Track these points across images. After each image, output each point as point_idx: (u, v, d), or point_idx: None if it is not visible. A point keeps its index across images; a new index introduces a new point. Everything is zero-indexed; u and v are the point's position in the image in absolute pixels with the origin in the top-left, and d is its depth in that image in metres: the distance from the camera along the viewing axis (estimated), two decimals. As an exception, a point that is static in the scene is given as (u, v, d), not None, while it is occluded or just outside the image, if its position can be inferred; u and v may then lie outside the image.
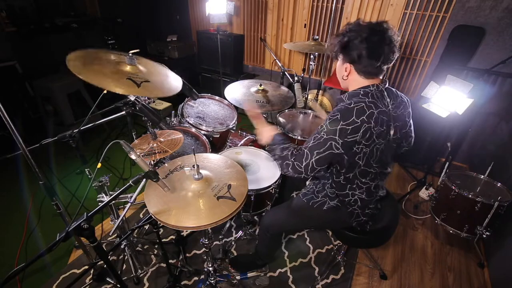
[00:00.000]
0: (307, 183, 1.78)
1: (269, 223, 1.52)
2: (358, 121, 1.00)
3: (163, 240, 1.76)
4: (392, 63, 1.07)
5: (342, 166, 1.16)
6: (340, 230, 1.39)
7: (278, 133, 1.27)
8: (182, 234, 1.87)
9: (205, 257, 1.58)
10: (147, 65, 1.37)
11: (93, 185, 1.35)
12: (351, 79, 1.13)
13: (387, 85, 1.13)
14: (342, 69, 1.13)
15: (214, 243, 1.89)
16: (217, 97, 2.21)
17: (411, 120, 1.26)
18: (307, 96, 2.99)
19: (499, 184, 1.91)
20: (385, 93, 1.11)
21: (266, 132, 1.30)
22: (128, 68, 1.26)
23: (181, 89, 1.38)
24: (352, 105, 1.03)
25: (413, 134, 1.33)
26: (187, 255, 1.85)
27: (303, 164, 1.08)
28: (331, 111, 1.11)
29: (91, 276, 1.67)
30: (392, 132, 1.12)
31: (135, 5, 3.85)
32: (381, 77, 1.12)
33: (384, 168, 1.19)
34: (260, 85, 2.16)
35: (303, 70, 3.22)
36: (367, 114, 1.01)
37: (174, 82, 1.38)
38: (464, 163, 2.90)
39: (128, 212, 2.15)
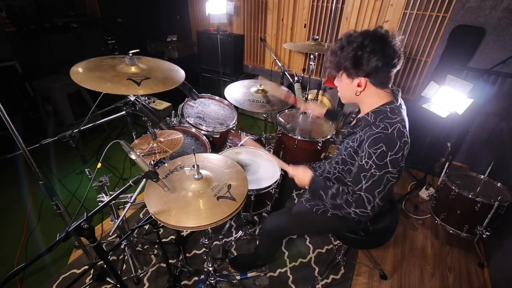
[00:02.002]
0: None
1: (270, 228, 1.50)
2: (402, 144, 0.97)
3: (163, 240, 1.76)
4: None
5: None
6: (342, 232, 1.39)
7: (315, 175, 1.21)
8: (182, 234, 1.87)
9: (205, 257, 1.58)
10: (147, 62, 1.38)
11: (93, 185, 1.35)
12: (366, 93, 1.06)
13: (400, 94, 1.10)
14: (353, 85, 1.05)
15: (214, 243, 1.89)
16: (217, 97, 2.21)
17: None
18: (307, 96, 2.99)
19: (499, 184, 1.91)
20: (403, 105, 1.09)
21: (301, 174, 1.24)
22: (128, 69, 1.27)
23: (181, 85, 1.37)
24: (390, 130, 0.98)
25: None
26: (187, 255, 1.85)
27: (369, 209, 1.02)
28: (370, 140, 1.00)
29: (91, 276, 1.67)
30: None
31: (135, 5, 3.85)
32: (390, 85, 1.08)
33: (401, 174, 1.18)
34: (260, 85, 2.16)
35: (303, 70, 3.22)
36: (405, 134, 0.99)
37: (176, 74, 1.39)
38: (464, 163, 2.89)
39: (128, 212, 2.15)
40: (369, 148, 0.99)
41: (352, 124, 1.25)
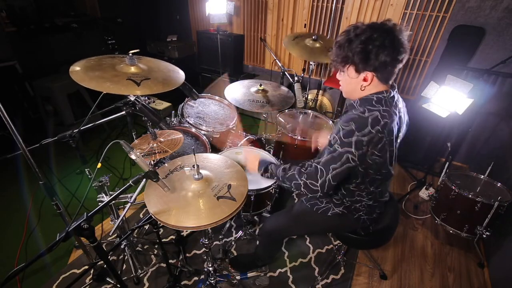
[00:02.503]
0: None
1: (271, 229, 1.50)
2: (373, 131, 0.95)
3: (163, 240, 1.76)
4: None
5: (355, 177, 1.12)
6: (343, 232, 1.40)
7: (263, 159, 1.24)
8: (182, 234, 1.87)
9: (205, 257, 1.58)
10: (147, 63, 1.38)
11: (93, 185, 1.35)
12: (369, 88, 1.03)
13: (395, 90, 1.09)
14: (359, 80, 1.02)
15: (214, 243, 1.89)
16: (217, 97, 2.21)
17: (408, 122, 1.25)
18: (307, 96, 2.99)
19: (499, 184, 1.91)
20: (396, 98, 1.07)
21: (251, 160, 1.27)
22: (128, 69, 1.27)
23: (181, 85, 1.38)
24: (366, 114, 0.97)
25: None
26: (187, 255, 1.85)
27: (319, 182, 1.01)
28: (343, 118, 1.01)
29: (91, 276, 1.67)
30: (400, 137, 1.12)
31: (135, 5, 3.85)
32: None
33: (390, 172, 1.17)
34: (260, 85, 2.16)
35: (303, 70, 3.22)
36: (381, 124, 0.96)
37: (175, 75, 1.39)
38: (464, 163, 2.90)
39: (128, 212, 2.15)
40: (340, 124, 1.00)
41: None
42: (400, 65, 0.99)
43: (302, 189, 1.05)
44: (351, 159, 0.98)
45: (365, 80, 1.02)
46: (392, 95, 1.05)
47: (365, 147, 0.97)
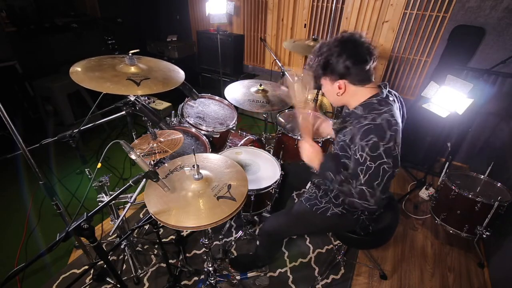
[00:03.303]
0: (308, 186, 1.78)
1: (270, 229, 1.50)
2: (392, 132, 0.99)
3: (163, 240, 1.76)
4: (376, 61, 1.06)
5: None
6: (342, 232, 1.40)
7: (326, 158, 1.18)
8: (182, 234, 1.87)
9: (205, 257, 1.58)
10: (147, 63, 1.38)
11: (93, 185, 1.35)
12: (349, 93, 1.10)
13: (387, 88, 1.12)
14: (335, 88, 1.10)
15: (214, 243, 1.89)
16: (217, 97, 2.21)
17: (404, 119, 1.26)
18: (307, 96, 2.99)
19: (499, 184, 1.91)
20: (390, 97, 1.10)
21: (312, 154, 1.21)
22: (128, 69, 1.27)
23: (181, 84, 1.38)
24: (378, 120, 1.00)
25: None
26: (187, 255, 1.85)
27: (371, 202, 1.02)
28: (360, 133, 1.02)
29: (91, 276, 1.67)
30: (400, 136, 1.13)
31: (135, 5, 3.85)
32: (373, 79, 1.10)
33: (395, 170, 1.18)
34: (260, 85, 2.16)
35: (303, 70, 3.22)
36: (393, 122, 1.00)
37: (175, 74, 1.39)
38: (464, 163, 2.90)
39: (128, 212, 2.15)
40: (361, 141, 1.01)
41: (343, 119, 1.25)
42: (368, 65, 1.04)
43: (359, 207, 1.06)
44: (388, 167, 0.99)
45: (339, 88, 1.09)
46: (385, 95, 1.09)
47: (394, 151, 1.00)
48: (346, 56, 1.01)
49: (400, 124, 1.06)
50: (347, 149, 1.12)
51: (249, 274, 1.74)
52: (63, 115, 2.75)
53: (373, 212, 1.25)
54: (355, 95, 1.10)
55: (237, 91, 2.14)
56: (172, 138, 1.37)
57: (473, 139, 2.71)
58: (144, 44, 3.97)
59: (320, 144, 1.93)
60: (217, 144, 2.00)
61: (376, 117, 1.01)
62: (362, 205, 1.04)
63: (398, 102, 1.18)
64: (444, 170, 2.08)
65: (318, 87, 1.21)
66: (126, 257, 1.75)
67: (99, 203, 1.14)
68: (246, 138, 2.18)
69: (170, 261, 1.75)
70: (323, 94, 3.25)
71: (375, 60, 1.05)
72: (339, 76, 1.06)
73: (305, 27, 3.17)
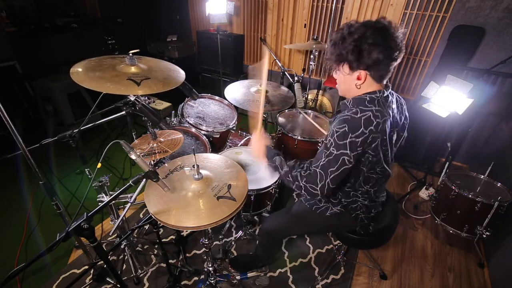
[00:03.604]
0: None
1: (270, 229, 1.50)
2: (367, 131, 0.95)
3: (163, 240, 1.76)
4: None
5: (349, 178, 1.13)
6: (342, 232, 1.40)
7: (270, 147, 1.21)
8: (182, 234, 1.87)
9: (205, 257, 1.58)
10: (147, 62, 1.38)
11: (93, 185, 1.35)
12: (364, 86, 1.03)
13: (390, 90, 1.08)
14: (353, 78, 1.02)
15: (214, 243, 1.89)
16: (217, 97, 2.21)
17: (407, 122, 1.23)
18: (307, 96, 2.99)
19: (499, 184, 1.91)
20: (390, 99, 1.07)
21: (258, 146, 1.22)
22: (128, 69, 1.27)
23: (181, 85, 1.38)
24: (359, 115, 0.97)
25: (406, 134, 1.28)
26: (187, 255, 1.85)
27: (318, 186, 1.02)
28: (336, 120, 1.02)
29: (91, 276, 1.67)
30: (395, 137, 1.11)
31: (135, 5, 3.85)
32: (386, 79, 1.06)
33: (387, 171, 1.17)
34: (260, 85, 2.16)
35: (303, 70, 3.22)
36: (374, 124, 0.96)
37: (175, 74, 1.39)
38: (464, 163, 2.89)
39: (128, 212, 2.15)
40: (334, 127, 1.00)
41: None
42: (395, 64, 0.99)
43: (303, 191, 1.07)
44: (347, 161, 0.98)
45: (358, 78, 1.02)
46: (385, 95, 1.05)
47: (360, 148, 0.97)
48: (382, 48, 0.93)
49: (388, 129, 1.01)
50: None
51: (249, 274, 1.74)
52: (63, 115, 2.75)
53: (316, 198, 1.24)
54: (365, 89, 1.05)
55: (237, 91, 2.14)
56: (172, 138, 1.37)
57: (473, 139, 2.70)
58: (144, 44, 3.97)
59: (320, 144, 1.93)
60: (217, 144, 2.00)
61: (358, 111, 0.99)
62: (307, 187, 1.04)
63: (399, 107, 1.14)
64: (444, 170, 2.08)
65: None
66: (126, 257, 1.75)
67: (99, 203, 1.14)
68: (246, 138, 2.18)
69: (170, 261, 1.75)
70: (323, 94, 3.26)
71: (400, 59, 1.00)
72: (365, 67, 0.98)
73: (305, 27, 3.17)
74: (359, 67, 0.99)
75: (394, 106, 1.10)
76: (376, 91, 1.04)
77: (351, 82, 1.05)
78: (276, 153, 1.20)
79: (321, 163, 1.02)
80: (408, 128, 1.26)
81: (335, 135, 0.98)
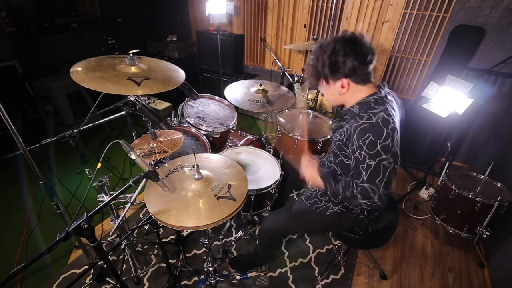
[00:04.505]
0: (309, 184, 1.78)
1: (269, 227, 1.50)
2: (389, 130, 0.99)
3: (163, 240, 1.76)
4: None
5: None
6: (341, 231, 1.40)
7: (323, 173, 1.22)
8: (182, 234, 1.87)
9: (205, 257, 1.58)
10: (147, 63, 1.38)
11: (93, 185, 1.35)
12: (350, 92, 1.10)
13: (386, 88, 1.13)
14: (337, 87, 1.10)
15: (214, 243, 1.89)
16: (217, 97, 2.21)
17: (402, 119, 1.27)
18: (307, 96, 2.99)
19: (499, 184, 1.91)
20: (389, 97, 1.11)
21: (312, 173, 1.24)
22: (128, 69, 1.27)
23: (181, 85, 1.38)
24: (375, 119, 1.01)
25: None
26: (187, 255, 1.85)
27: (376, 199, 1.03)
28: (357, 133, 1.03)
29: (91, 276, 1.67)
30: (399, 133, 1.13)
31: (135, 5, 3.85)
32: (372, 79, 1.11)
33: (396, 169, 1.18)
34: (260, 85, 2.16)
35: (303, 70, 3.22)
36: (391, 121, 1.01)
37: (176, 74, 1.39)
38: (464, 163, 2.89)
39: (128, 212, 2.15)
40: (358, 140, 1.02)
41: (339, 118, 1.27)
42: (371, 66, 1.06)
43: (364, 206, 1.07)
44: (388, 163, 1.00)
45: (342, 87, 1.09)
46: (383, 94, 1.09)
47: (394, 148, 1.00)
48: (354, 55, 1.01)
49: (397, 123, 1.06)
50: (345, 148, 1.14)
51: (249, 274, 1.74)
52: (63, 115, 2.75)
53: (378, 209, 1.25)
54: (354, 94, 1.11)
55: (237, 91, 2.14)
56: (172, 138, 1.37)
57: (473, 139, 2.70)
58: (144, 44, 3.97)
59: (320, 144, 1.93)
60: (217, 144, 2.00)
61: (372, 116, 1.02)
62: (367, 203, 1.05)
63: (397, 104, 1.18)
64: (444, 170, 2.08)
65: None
66: (126, 257, 1.75)
67: (99, 203, 1.14)
68: (246, 138, 2.18)
69: (170, 261, 1.75)
70: (323, 94, 3.26)
71: (375, 60, 1.06)
72: (344, 75, 1.06)
73: (305, 27, 3.17)
74: (338, 77, 1.07)
75: (394, 104, 1.13)
76: (376, 92, 1.08)
77: (336, 92, 1.12)
78: (327, 177, 1.20)
79: (365, 178, 1.03)
80: (406, 128, 1.27)
81: (364, 147, 1.00)
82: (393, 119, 1.02)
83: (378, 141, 0.98)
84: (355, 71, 1.04)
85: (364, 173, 1.03)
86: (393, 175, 1.04)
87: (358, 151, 1.02)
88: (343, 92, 1.10)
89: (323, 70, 1.07)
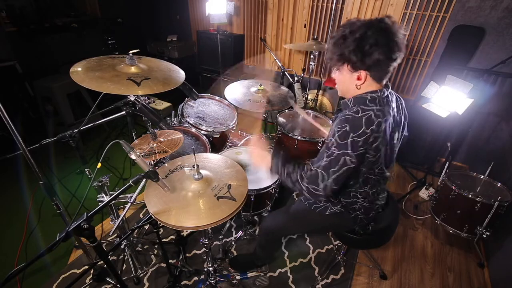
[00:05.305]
0: None
1: (269, 227, 1.50)
2: (368, 131, 0.95)
3: (163, 240, 1.76)
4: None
5: (349, 179, 1.11)
6: (341, 231, 1.40)
7: (273, 154, 1.20)
8: (182, 234, 1.87)
9: (205, 257, 1.58)
10: (147, 63, 1.38)
11: (93, 185, 1.35)
12: (364, 86, 1.03)
13: (389, 89, 1.08)
14: (353, 78, 1.02)
15: (214, 243, 1.89)
16: (217, 97, 2.21)
17: (406, 122, 1.24)
18: (307, 96, 3.00)
19: (499, 184, 1.91)
20: (390, 98, 1.07)
21: (260, 156, 1.23)
22: (128, 69, 1.27)
23: (181, 85, 1.38)
24: (360, 114, 0.97)
25: (407, 134, 1.30)
26: (187, 255, 1.85)
27: (320, 187, 1.00)
28: (337, 119, 1.01)
29: (91, 276, 1.67)
30: (396, 136, 1.11)
31: (135, 5, 3.85)
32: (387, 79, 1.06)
33: (384, 174, 1.16)
34: (260, 85, 2.16)
35: (303, 70, 3.22)
36: (375, 123, 0.95)
37: (175, 74, 1.39)
38: (464, 163, 2.89)
39: (128, 212, 2.15)
40: (335, 126, 0.99)
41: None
42: (395, 64, 0.98)
43: (306, 193, 1.05)
44: (349, 161, 0.97)
45: (358, 79, 1.01)
46: (386, 94, 1.05)
47: (362, 148, 0.96)
48: (382, 48, 0.92)
49: (389, 129, 1.01)
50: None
51: (249, 274, 1.74)
52: (63, 115, 2.75)
53: (318, 200, 1.23)
54: (365, 89, 1.04)
55: (237, 91, 2.14)
56: (172, 138, 1.37)
57: (473, 139, 2.71)
58: (144, 44, 3.97)
59: (320, 144, 1.93)
60: (217, 144, 2.00)
61: (360, 111, 0.98)
62: (309, 189, 1.03)
63: (399, 106, 1.15)
64: (444, 170, 2.08)
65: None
66: (126, 257, 1.75)
67: (99, 203, 1.14)
68: (246, 138, 2.18)
69: (170, 261, 1.75)
70: (323, 94, 3.26)
71: (400, 60, 0.98)
72: (365, 67, 0.97)
73: (305, 27, 3.17)
74: (359, 67, 0.98)
75: (394, 105, 1.10)
76: (377, 90, 1.03)
77: (350, 83, 1.04)
78: (277, 156, 1.19)
79: (322, 163, 1.00)
80: (407, 127, 1.26)
81: (337, 134, 0.97)
82: (379, 122, 0.96)
83: (351, 134, 0.95)
84: (378, 65, 0.96)
85: (324, 159, 1.00)
86: (347, 176, 1.01)
87: (330, 137, 1.00)
88: (358, 84, 1.02)
89: (347, 54, 0.96)
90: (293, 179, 1.09)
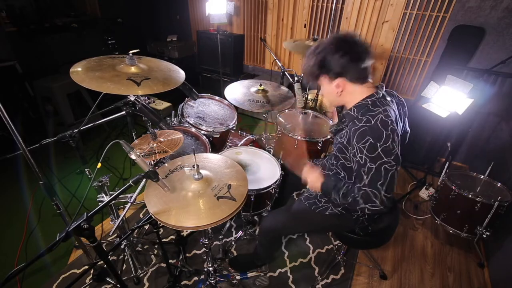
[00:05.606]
0: None
1: (269, 227, 1.50)
2: (389, 132, 0.98)
3: (163, 240, 1.76)
4: (372, 59, 1.07)
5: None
6: (341, 232, 1.40)
7: (325, 179, 1.21)
8: (182, 234, 1.87)
9: (205, 257, 1.58)
10: (147, 63, 1.38)
11: (93, 185, 1.35)
12: (346, 92, 1.10)
13: (384, 89, 1.12)
14: (332, 87, 1.10)
15: (214, 243, 1.89)
16: (217, 97, 2.21)
17: (406, 118, 1.27)
18: (307, 96, 2.99)
19: (499, 184, 1.91)
20: (388, 98, 1.11)
21: (313, 180, 1.24)
22: (128, 69, 1.27)
23: (181, 85, 1.38)
24: (373, 122, 1.00)
25: (409, 129, 1.32)
26: (187, 255, 1.85)
27: (378, 202, 1.00)
28: (356, 136, 1.03)
29: (91, 276, 1.67)
30: (400, 133, 1.13)
31: (135, 5, 3.85)
32: (370, 79, 1.10)
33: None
34: (260, 85, 2.16)
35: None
36: (389, 122, 1.00)
37: (175, 74, 1.39)
38: (464, 163, 2.89)
39: (128, 212, 2.15)
40: (358, 143, 1.01)
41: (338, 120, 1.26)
42: (367, 63, 1.04)
43: (368, 212, 1.06)
44: (389, 166, 0.98)
45: (337, 86, 1.08)
46: (381, 95, 1.08)
47: (394, 150, 0.99)
48: (342, 53, 1.01)
49: (397, 124, 1.05)
50: (345, 150, 1.12)
51: (249, 274, 1.74)
52: (63, 115, 2.75)
53: (380, 213, 1.24)
54: (352, 95, 1.10)
55: (237, 91, 2.14)
56: (172, 138, 1.37)
57: (473, 139, 2.71)
58: (144, 44, 3.97)
59: (320, 144, 1.93)
60: (217, 144, 2.00)
61: (370, 118, 1.01)
62: (369, 208, 1.03)
63: (396, 104, 1.17)
64: (444, 170, 2.08)
65: (317, 87, 1.22)
66: (126, 257, 1.75)
67: (99, 203, 1.14)
68: (246, 138, 2.18)
69: (170, 261, 1.75)
70: (323, 94, 3.26)
71: (371, 59, 1.05)
72: (336, 75, 1.06)
73: (305, 27, 3.18)
74: (331, 76, 1.07)
75: (394, 105, 1.12)
76: (373, 93, 1.07)
77: (333, 92, 1.11)
78: (329, 185, 1.19)
79: (366, 182, 1.01)
80: (409, 125, 1.27)
81: (365, 151, 0.99)
82: (391, 120, 1.01)
83: (378, 143, 0.97)
84: (345, 69, 1.04)
85: (365, 177, 1.01)
86: (396, 178, 1.02)
87: (359, 155, 1.01)
88: (339, 92, 1.10)
89: (316, 70, 1.08)
90: (350, 201, 1.08)
